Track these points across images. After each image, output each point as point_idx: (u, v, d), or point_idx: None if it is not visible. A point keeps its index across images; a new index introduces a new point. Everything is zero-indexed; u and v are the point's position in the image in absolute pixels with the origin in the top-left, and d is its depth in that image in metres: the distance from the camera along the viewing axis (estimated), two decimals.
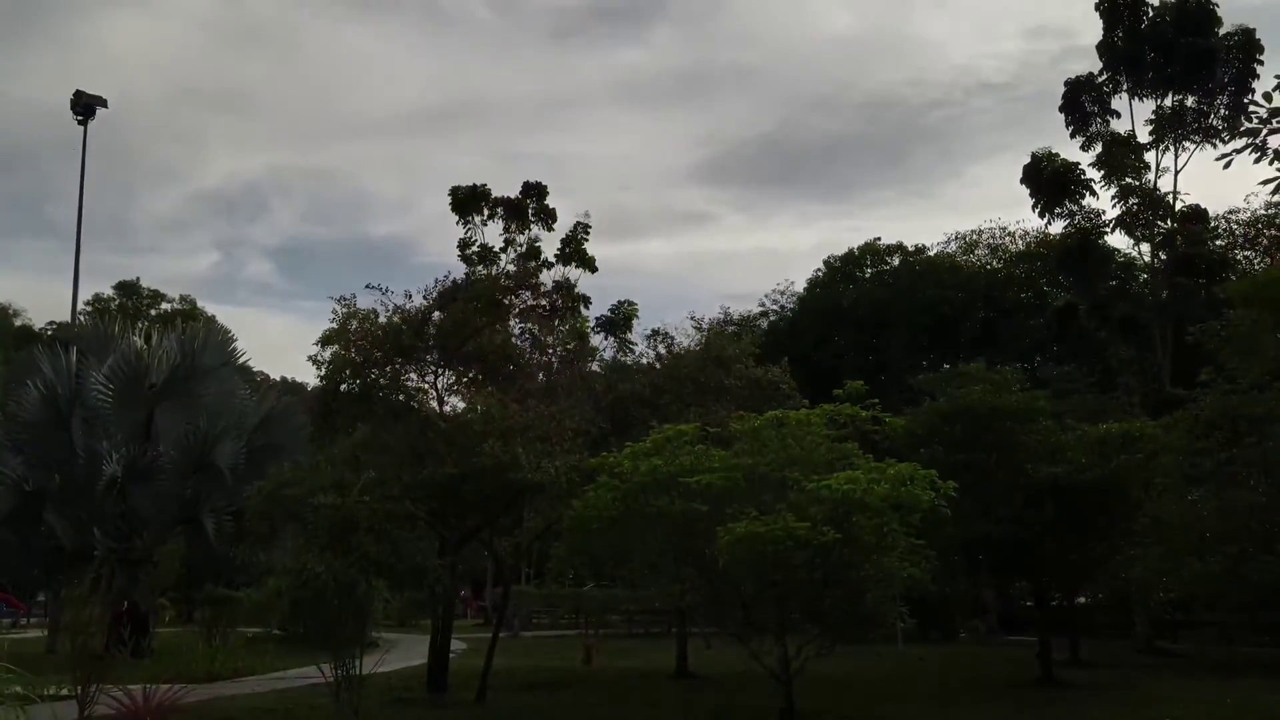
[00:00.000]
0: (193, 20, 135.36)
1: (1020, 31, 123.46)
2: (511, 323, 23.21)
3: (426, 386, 20.46)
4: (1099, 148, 35.36)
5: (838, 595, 15.72)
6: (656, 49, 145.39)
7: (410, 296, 19.71)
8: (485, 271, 37.23)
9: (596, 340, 50.03)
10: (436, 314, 19.61)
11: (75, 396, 28.63)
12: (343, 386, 18.86)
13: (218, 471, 27.82)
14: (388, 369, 19.09)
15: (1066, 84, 36.16)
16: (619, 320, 50.85)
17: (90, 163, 36.08)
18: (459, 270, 27.20)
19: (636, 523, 15.84)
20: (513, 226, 50.43)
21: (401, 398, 20.31)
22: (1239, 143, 11.05)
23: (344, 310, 19.76)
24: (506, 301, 20.91)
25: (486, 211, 50.65)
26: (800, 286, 55.80)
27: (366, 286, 19.60)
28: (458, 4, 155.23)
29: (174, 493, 28.39)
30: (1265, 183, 12.50)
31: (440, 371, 20.70)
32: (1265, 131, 13.68)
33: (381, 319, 19.43)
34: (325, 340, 20.16)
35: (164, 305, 68.80)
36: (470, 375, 20.92)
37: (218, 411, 29.22)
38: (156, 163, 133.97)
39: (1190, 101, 34.65)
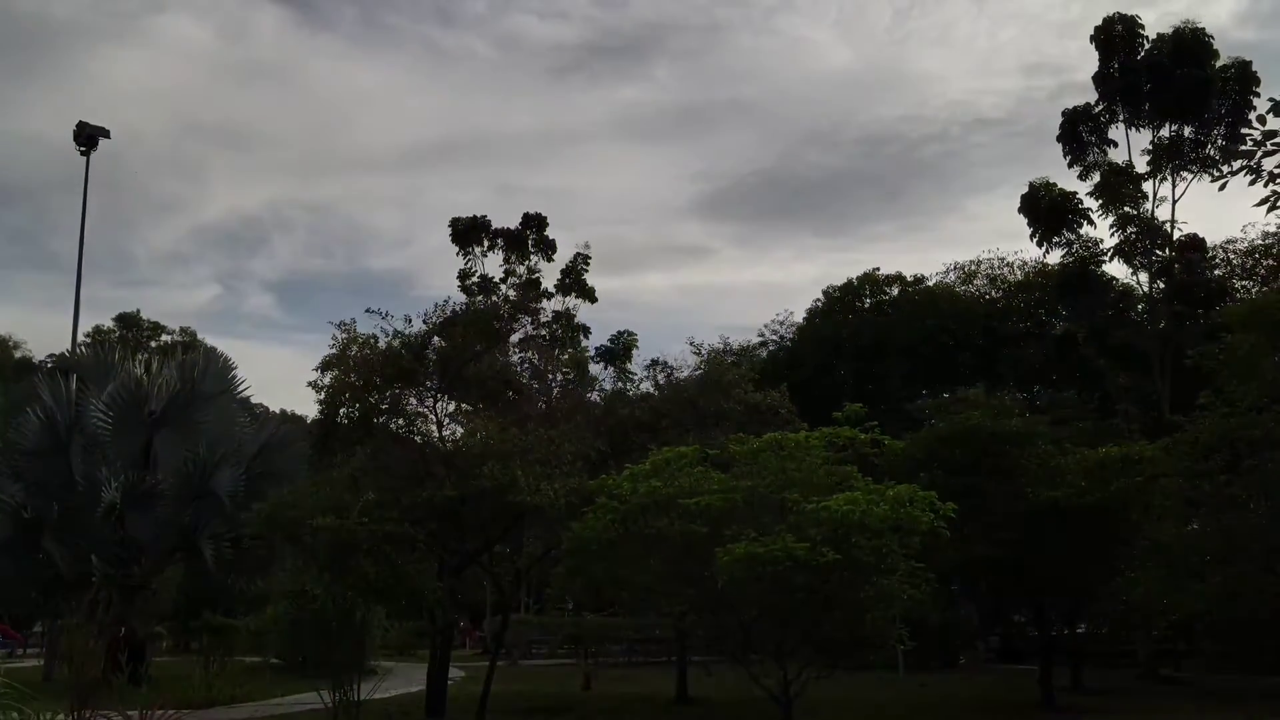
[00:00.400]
0: (194, 56, 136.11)
1: (1017, 68, 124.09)
2: (512, 352, 23.30)
3: (426, 412, 20.51)
4: (1096, 177, 35.52)
5: (837, 617, 15.70)
6: (655, 85, 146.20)
7: (410, 321, 19.80)
8: (486, 300, 37.34)
9: (596, 370, 50.17)
10: (436, 339, 19.68)
11: (74, 424, 28.62)
12: (342, 410, 18.89)
13: (216, 498, 27.76)
14: (387, 394, 19.13)
15: (1064, 114, 36.37)
16: (619, 350, 50.99)
17: (91, 196, 36.35)
18: (459, 300, 27.29)
19: (635, 544, 15.82)
20: (513, 257, 50.69)
21: (401, 423, 20.36)
22: (1236, 164, 11.18)
23: (344, 336, 19.83)
24: (506, 329, 21.00)
25: (486, 243, 50.94)
26: (800, 317, 55.88)
27: (366, 311, 19.69)
28: (459, 41, 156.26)
29: (172, 520, 28.32)
30: (1260, 204, 12.61)
31: (439, 398, 20.75)
32: (1260, 154, 13.75)
33: (381, 344, 19.49)
34: (325, 366, 20.21)
35: (164, 337, 68.89)
36: (470, 403, 20.98)
37: (217, 439, 29.17)
38: (157, 197, 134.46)
39: (1188, 132, 34.84)
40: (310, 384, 20.37)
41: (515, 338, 23.59)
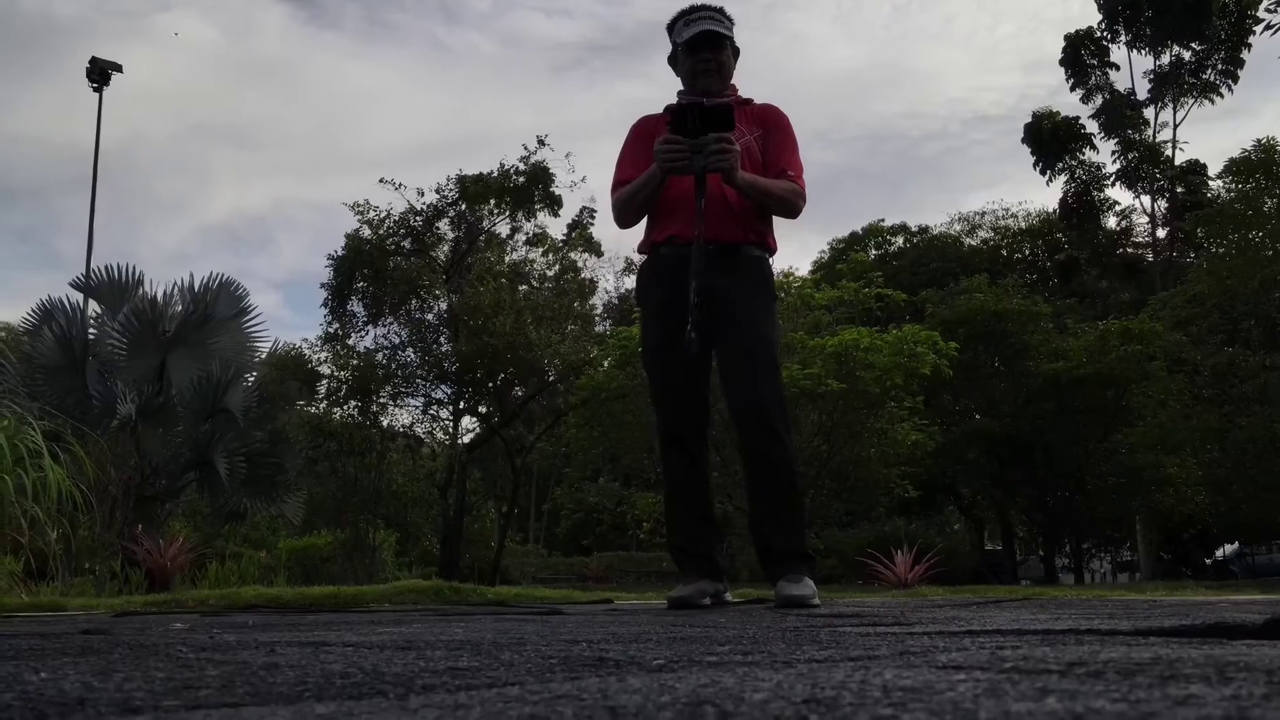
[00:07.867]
0: (200, 56, 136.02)
1: (1018, 65, 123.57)
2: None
3: (439, 290, 20.82)
4: (1099, 101, 35.67)
5: (845, 455, 16.02)
6: (655, 82, 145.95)
7: (423, 194, 20.23)
8: (492, 257, 37.71)
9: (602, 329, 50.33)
10: (451, 211, 20.10)
11: (89, 341, 28.98)
12: (357, 273, 19.22)
13: (230, 415, 28.07)
14: (403, 259, 19.47)
15: (1066, 38, 36.43)
16: (629, 308, 51.12)
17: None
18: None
19: (644, 391, 16.04)
20: (519, 215, 51.08)
21: (415, 302, 20.68)
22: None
23: (357, 214, 20.22)
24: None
25: (493, 200, 51.36)
26: (805, 270, 56.05)
27: (380, 181, 20.03)
28: (462, 40, 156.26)
29: (187, 436, 28.64)
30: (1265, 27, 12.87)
31: (450, 275, 21.09)
32: None
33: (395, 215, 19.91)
34: (338, 268, 20.61)
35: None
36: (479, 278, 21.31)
37: (229, 359, 29.48)
38: (163, 196, 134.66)
39: (1188, 55, 34.92)
40: (322, 285, 20.76)
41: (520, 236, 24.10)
